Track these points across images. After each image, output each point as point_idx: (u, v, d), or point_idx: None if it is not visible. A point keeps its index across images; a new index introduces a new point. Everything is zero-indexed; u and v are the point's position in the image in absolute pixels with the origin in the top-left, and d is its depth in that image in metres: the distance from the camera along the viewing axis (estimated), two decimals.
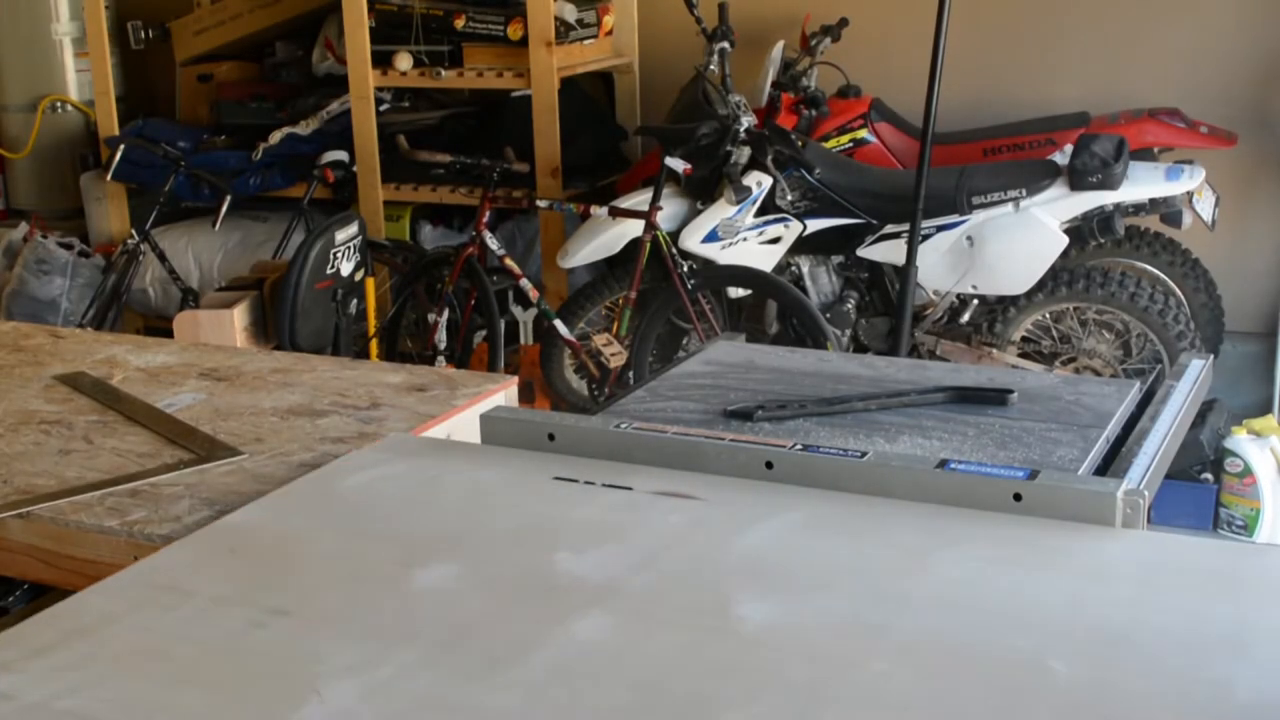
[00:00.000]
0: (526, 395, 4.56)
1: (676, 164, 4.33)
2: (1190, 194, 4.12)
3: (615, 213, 4.43)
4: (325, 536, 1.65)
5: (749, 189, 4.30)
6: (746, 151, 4.34)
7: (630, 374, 4.41)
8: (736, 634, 1.35)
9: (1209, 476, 4.05)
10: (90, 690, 1.30)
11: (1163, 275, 4.41)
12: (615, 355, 4.44)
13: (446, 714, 1.22)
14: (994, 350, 4.27)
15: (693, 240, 4.40)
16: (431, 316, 4.67)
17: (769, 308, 4.51)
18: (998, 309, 4.33)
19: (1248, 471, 3.94)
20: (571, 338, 4.52)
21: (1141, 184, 4.08)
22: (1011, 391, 2.05)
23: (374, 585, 1.49)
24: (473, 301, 4.64)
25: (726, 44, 4.63)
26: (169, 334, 3.70)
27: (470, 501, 1.74)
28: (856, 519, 1.63)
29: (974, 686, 1.24)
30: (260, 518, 1.73)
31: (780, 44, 4.78)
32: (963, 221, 4.23)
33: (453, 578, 1.50)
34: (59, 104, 5.96)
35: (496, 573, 1.51)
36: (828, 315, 4.36)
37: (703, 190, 4.45)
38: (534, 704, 1.23)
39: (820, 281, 4.50)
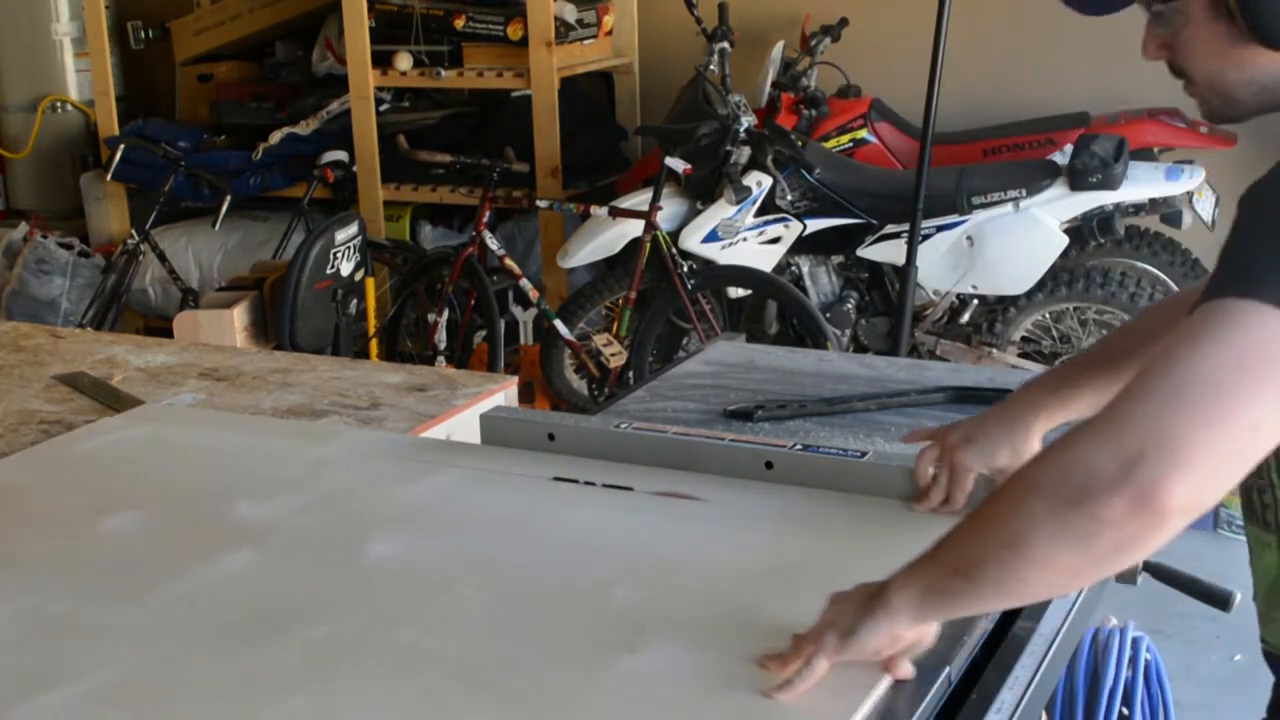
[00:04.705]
0: (526, 395, 4.56)
1: (676, 164, 4.33)
2: (1190, 194, 4.12)
3: (615, 213, 4.43)
4: (41, 490, 1.84)
5: (749, 189, 4.30)
6: (746, 151, 4.34)
7: (630, 374, 4.41)
8: (356, 567, 1.54)
9: None
10: None
11: (1163, 275, 4.40)
12: (615, 355, 4.44)
13: (72, 631, 1.41)
14: (994, 350, 4.27)
15: (693, 240, 4.40)
16: (431, 316, 4.66)
17: (769, 308, 4.50)
18: (998, 309, 4.33)
19: None
20: (571, 338, 4.52)
21: (1141, 184, 4.08)
22: (1011, 391, 2.05)
23: (63, 529, 1.68)
24: (473, 301, 4.63)
25: (726, 44, 4.63)
26: (169, 334, 3.70)
27: (184, 461, 1.92)
28: (515, 475, 1.79)
29: (541, 607, 1.43)
30: None
31: (780, 44, 4.77)
32: (963, 221, 4.22)
33: (134, 522, 1.67)
34: (59, 104, 5.95)
35: (177, 519, 1.70)
36: (828, 315, 4.36)
37: (703, 190, 4.44)
38: (154, 622, 1.42)
39: (820, 281, 4.50)
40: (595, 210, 4.52)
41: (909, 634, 1.24)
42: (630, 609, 1.41)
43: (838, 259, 4.47)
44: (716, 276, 4.42)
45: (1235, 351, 1.09)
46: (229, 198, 5.01)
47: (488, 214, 4.62)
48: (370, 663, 1.33)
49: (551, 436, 1.88)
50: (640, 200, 4.43)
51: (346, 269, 4.13)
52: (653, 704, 1.24)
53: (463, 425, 2.19)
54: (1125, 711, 1.99)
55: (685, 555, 1.54)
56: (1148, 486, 1.06)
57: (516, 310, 4.91)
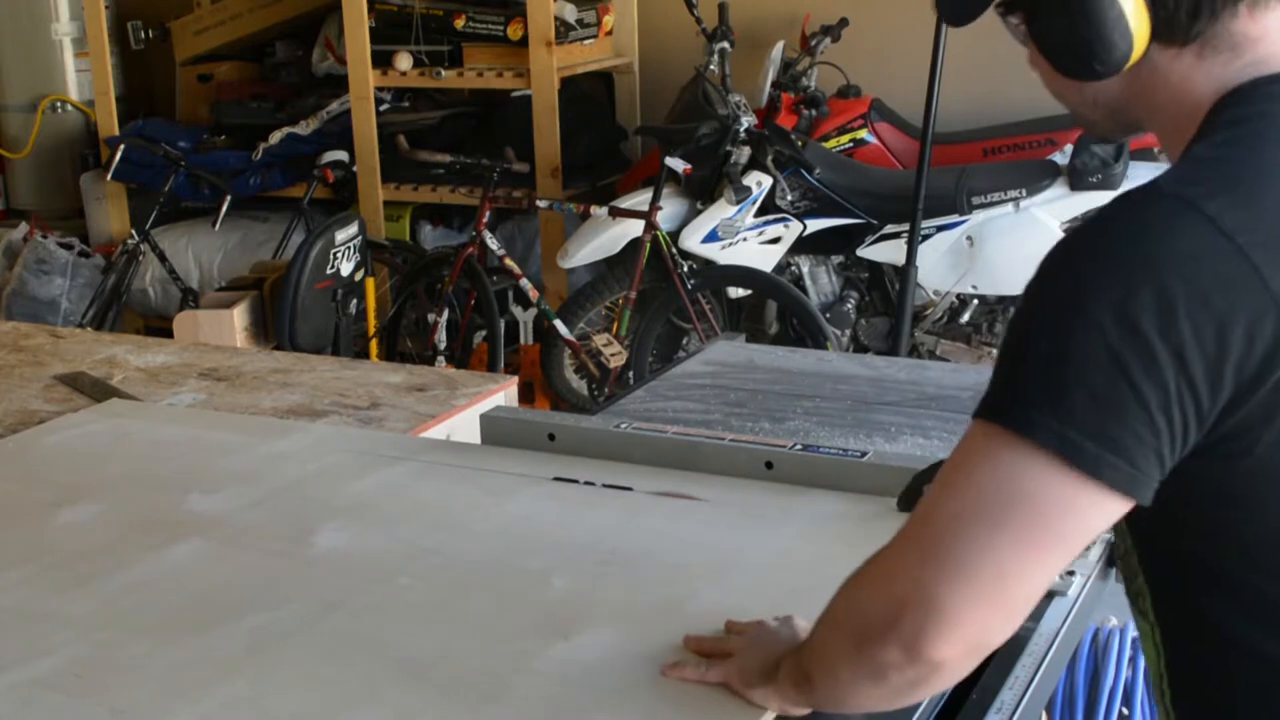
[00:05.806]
0: (526, 395, 4.56)
1: (676, 164, 4.33)
2: None
3: (615, 213, 4.43)
4: (1, 483, 1.87)
5: (749, 189, 4.30)
6: (746, 151, 4.34)
7: (630, 374, 4.41)
8: (301, 557, 1.57)
9: None
10: None
11: None
12: (615, 355, 4.43)
13: (20, 619, 1.44)
14: (994, 350, 4.27)
15: (693, 240, 4.40)
16: (431, 316, 4.66)
17: (769, 308, 4.50)
18: (998, 309, 4.33)
19: None
20: (571, 338, 4.51)
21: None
22: None
23: (21, 521, 1.71)
24: (473, 301, 4.63)
25: (726, 44, 4.63)
26: (169, 334, 3.70)
27: (143, 455, 1.94)
28: (466, 468, 1.82)
29: (479, 595, 1.46)
30: None
31: (780, 44, 4.77)
32: (963, 221, 4.22)
33: (91, 514, 1.71)
34: (59, 104, 5.95)
35: (132, 511, 1.72)
36: (828, 315, 4.36)
37: (703, 190, 4.44)
38: (100, 611, 1.45)
39: (820, 281, 4.50)
40: (595, 210, 4.51)
41: (799, 710, 1.23)
42: (567, 598, 1.44)
43: (838, 259, 4.47)
44: (716, 276, 4.42)
45: (976, 494, 1.04)
46: (229, 198, 5.01)
47: (488, 214, 4.62)
48: (310, 651, 1.35)
49: (551, 436, 1.88)
50: (640, 200, 4.43)
51: (346, 269, 4.13)
52: (584, 689, 1.26)
53: (463, 425, 2.19)
54: (1125, 711, 1.99)
55: (625, 544, 1.57)
56: (913, 640, 1.05)
57: (516, 310, 4.91)
